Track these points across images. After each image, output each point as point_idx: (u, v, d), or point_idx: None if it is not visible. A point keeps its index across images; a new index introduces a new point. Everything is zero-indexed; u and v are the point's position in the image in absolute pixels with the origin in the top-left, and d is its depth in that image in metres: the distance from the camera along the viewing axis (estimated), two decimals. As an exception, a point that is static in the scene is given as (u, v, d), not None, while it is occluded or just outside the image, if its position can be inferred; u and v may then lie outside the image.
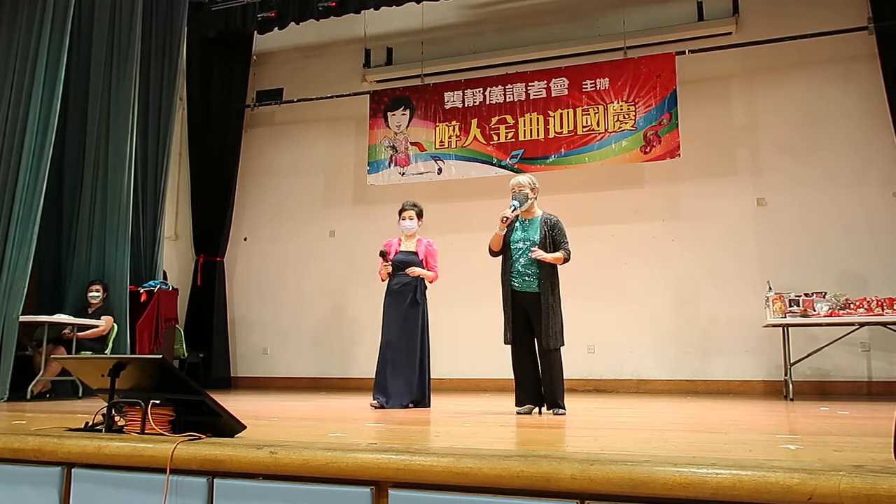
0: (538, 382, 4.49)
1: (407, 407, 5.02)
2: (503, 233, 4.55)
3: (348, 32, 9.17)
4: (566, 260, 4.49)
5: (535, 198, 4.61)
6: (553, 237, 4.49)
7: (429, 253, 5.34)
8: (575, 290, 5.94)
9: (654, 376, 7.54)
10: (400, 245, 5.37)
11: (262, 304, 9.18)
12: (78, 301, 6.76)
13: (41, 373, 5.89)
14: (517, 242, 4.53)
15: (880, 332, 6.40)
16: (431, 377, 5.27)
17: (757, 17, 7.74)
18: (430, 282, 5.33)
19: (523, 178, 4.65)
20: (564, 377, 4.45)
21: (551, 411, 4.39)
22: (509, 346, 4.53)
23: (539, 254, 4.40)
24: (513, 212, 4.50)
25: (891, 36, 6.91)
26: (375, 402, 5.05)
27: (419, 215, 5.40)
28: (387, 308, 5.30)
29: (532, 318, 4.44)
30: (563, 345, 4.44)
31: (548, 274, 4.44)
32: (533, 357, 4.50)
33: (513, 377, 4.55)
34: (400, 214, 5.41)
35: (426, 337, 5.27)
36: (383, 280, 5.34)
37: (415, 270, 5.22)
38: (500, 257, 4.61)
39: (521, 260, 4.49)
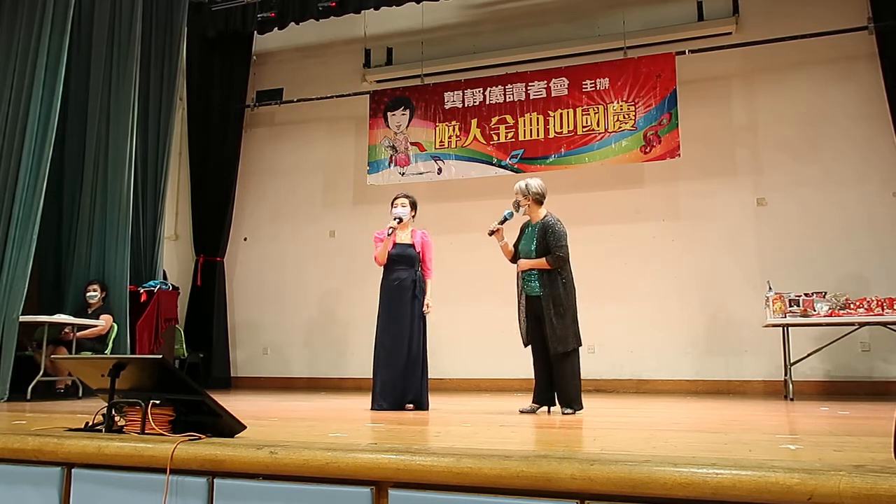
0: (550, 383, 4.52)
1: (405, 409, 4.87)
2: (502, 242, 4.67)
3: (348, 32, 9.16)
4: (556, 263, 4.44)
5: (529, 204, 4.62)
6: (546, 241, 4.50)
7: (425, 245, 5.15)
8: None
9: (655, 376, 7.54)
10: (394, 237, 5.14)
11: (262, 304, 9.17)
12: (77, 301, 6.75)
13: (41, 373, 5.89)
14: (521, 249, 4.64)
15: (880, 332, 6.40)
16: (431, 377, 5.16)
17: (757, 17, 7.73)
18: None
19: (518, 185, 4.68)
20: (572, 378, 4.46)
21: (561, 411, 4.41)
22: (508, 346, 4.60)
23: (523, 264, 4.55)
24: (500, 223, 4.62)
25: (891, 36, 6.91)
26: (377, 406, 4.86)
27: (413, 206, 5.17)
28: (384, 305, 5.07)
29: (541, 322, 4.48)
30: (576, 346, 4.45)
31: (547, 278, 4.46)
32: (546, 358, 4.52)
33: (507, 377, 4.65)
34: (393, 203, 5.17)
35: (425, 335, 5.10)
36: (380, 263, 5.09)
37: (427, 305, 5.04)
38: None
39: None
